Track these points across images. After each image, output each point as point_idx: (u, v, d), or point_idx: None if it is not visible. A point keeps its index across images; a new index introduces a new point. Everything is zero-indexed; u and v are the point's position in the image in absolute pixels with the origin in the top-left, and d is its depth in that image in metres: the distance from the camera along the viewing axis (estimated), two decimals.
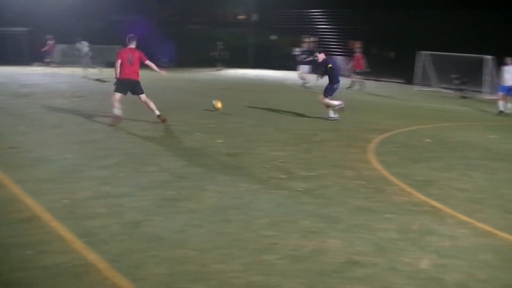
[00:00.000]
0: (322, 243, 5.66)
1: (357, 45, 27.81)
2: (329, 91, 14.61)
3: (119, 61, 12.06)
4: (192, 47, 34.93)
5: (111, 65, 31.77)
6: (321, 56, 14.84)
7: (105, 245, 5.26)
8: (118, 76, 12.16)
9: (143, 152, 9.60)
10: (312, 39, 36.64)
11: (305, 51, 25.47)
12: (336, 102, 14.65)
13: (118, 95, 12.16)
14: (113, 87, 12.37)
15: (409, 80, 29.65)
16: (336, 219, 6.47)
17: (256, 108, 16.43)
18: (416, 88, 28.05)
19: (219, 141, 10.84)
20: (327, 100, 14.62)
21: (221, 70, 33.06)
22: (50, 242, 5.31)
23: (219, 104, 14.26)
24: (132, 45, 12.40)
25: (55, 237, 5.44)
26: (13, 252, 5.06)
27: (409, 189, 8.02)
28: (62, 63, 30.78)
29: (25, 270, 4.69)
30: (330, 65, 14.70)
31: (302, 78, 24.38)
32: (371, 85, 27.35)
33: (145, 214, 6.28)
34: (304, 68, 24.49)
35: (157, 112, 12.46)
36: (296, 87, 24.33)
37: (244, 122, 13.41)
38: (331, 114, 14.69)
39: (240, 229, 5.98)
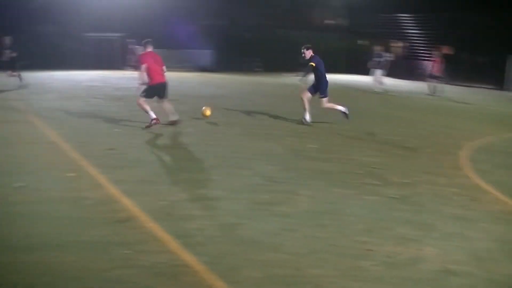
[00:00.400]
0: (417, 251, 5.49)
1: (444, 50, 26.92)
2: (324, 90, 13.54)
3: (145, 65, 11.85)
4: (280, 51, 34.99)
5: (200, 69, 32.75)
6: (308, 53, 13.51)
7: (201, 247, 5.28)
8: (148, 82, 11.96)
9: (237, 156, 9.64)
10: (400, 43, 35.90)
11: (380, 54, 24.93)
12: (341, 107, 13.88)
13: (143, 99, 12.02)
14: (141, 93, 12.04)
15: (500, 85, 28.45)
16: (431, 227, 6.26)
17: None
18: (508, 93, 26.86)
19: (311, 145, 10.76)
20: (331, 104, 13.78)
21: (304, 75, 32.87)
22: (148, 242, 5.39)
23: (207, 112, 13.29)
24: (151, 49, 12.29)
25: (152, 238, 5.53)
26: (113, 250, 5.17)
27: (505, 198, 7.66)
28: None
29: (124, 269, 4.78)
30: (313, 63, 13.38)
31: (379, 83, 23.99)
32: (458, 91, 26.41)
33: (240, 217, 6.28)
34: (378, 72, 24.11)
35: (175, 118, 12.35)
36: (381, 92, 23.84)
37: (335, 127, 13.25)
38: (307, 117, 13.53)
39: (334, 234, 5.88)
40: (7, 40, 20.56)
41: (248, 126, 12.81)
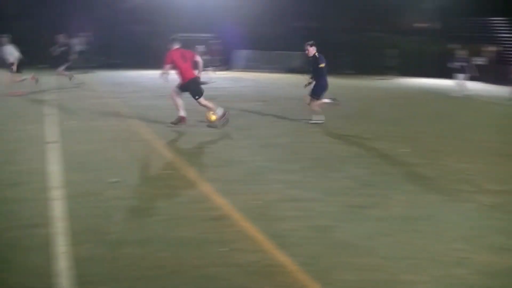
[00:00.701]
0: None
1: None
2: (318, 91, 13.20)
3: (169, 66, 11.68)
4: (371, 55, 34.60)
5: (292, 71, 32.83)
6: (312, 50, 13.15)
7: (294, 248, 5.28)
8: (180, 81, 11.86)
9: (329, 158, 9.58)
10: (492, 48, 34.63)
11: (464, 59, 24.08)
12: (326, 100, 13.53)
13: (178, 95, 11.94)
14: (175, 90, 11.96)
15: None
16: None
17: (436, 118, 15.81)
18: None
19: (403, 150, 10.55)
20: (318, 104, 13.32)
21: (392, 78, 32.31)
22: (241, 241, 5.45)
23: (212, 117, 12.49)
24: (178, 46, 12.01)
25: (246, 237, 5.58)
26: (207, 248, 5.26)
27: None
28: (246, 67, 31.96)
29: (220, 266, 4.85)
30: (322, 65, 13.07)
31: (462, 87, 23.24)
32: None
33: (332, 219, 6.24)
34: (461, 76, 23.35)
35: (182, 114, 12.03)
36: (462, 96, 23.03)
37: (427, 132, 12.93)
38: (315, 118, 13.28)
39: (429, 240, 5.72)
40: (61, 37, 20.92)
41: (339, 128, 12.71)
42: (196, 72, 12.22)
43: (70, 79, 20.85)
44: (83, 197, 6.77)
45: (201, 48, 26.32)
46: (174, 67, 11.74)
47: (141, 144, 10.21)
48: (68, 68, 20.83)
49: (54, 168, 8.10)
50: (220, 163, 8.85)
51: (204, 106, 12.03)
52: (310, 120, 13.27)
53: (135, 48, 31.24)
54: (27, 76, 18.14)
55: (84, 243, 5.29)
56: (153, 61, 28.74)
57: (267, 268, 4.84)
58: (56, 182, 7.37)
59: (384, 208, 6.74)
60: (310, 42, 13.23)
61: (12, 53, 17.72)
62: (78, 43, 33.06)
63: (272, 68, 33.07)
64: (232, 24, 33.14)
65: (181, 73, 11.74)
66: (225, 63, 32.96)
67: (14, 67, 17.67)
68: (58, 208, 6.28)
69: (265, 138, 11.23)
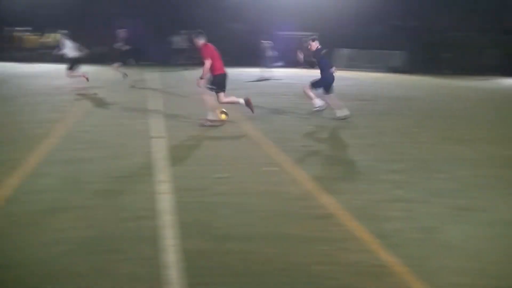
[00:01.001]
0: None
1: None
2: (319, 84, 13.19)
3: (210, 59, 11.40)
4: (470, 54, 33.53)
5: (392, 70, 32.31)
6: (314, 45, 13.10)
7: (401, 249, 5.29)
8: (212, 74, 11.65)
9: (432, 158, 9.42)
10: None
11: None
12: (318, 101, 13.28)
13: (222, 95, 11.84)
14: (209, 88, 11.79)
15: None
16: None
17: None
18: None
19: (508, 152, 10.22)
20: (309, 91, 13.30)
21: (492, 79, 31.07)
22: (348, 240, 5.51)
23: (222, 116, 12.37)
24: (205, 40, 11.71)
25: (352, 236, 5.63)
26: (314, 246, 5.36)
27: None
28: (346, 66, 31.76)
29: (326, 265, 4.93)
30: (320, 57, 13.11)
31: None
32: None
33: (438, 221, 6.18)
34: None
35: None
36: None
37: None
38: (317, 103, 13.35)
39: None
40: (123, 33, 21.22)
41: (441, 129, 12.47)
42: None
43: (123, 76, 21.43)
44: (189, 192, 6.99)
45: (268, 43, 26.47)
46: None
47: (246, 141, 10.45)
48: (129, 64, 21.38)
49: (160, 163, 8.44)
50: (323, 161, 8.95)
51: (226, 103, 12.12)
52: (336, 115, 13.29)
53: (233, 45, 31.75)
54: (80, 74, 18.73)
55: (192, 237, 5.47)
56: (250, 58, 29.30)
57: (374, 268, 4.88)
58: (162, 176, 7.67)
59: (492, 212, 6.58)
60: (313, 37, 13.36)
61: (72, 48, 18.33)
62: (179, 41, 34.04)
63: (372, 67, 32.76)
64: (333, 22, 33.08)
65: (215, 67, 11.65)
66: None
67: (75, 65, 18.40)
68: (165, 202, 6.53)
69: (368, 137, 11.18)
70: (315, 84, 13.22)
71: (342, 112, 13.19)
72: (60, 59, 19.06)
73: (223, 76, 11.81)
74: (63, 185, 7.22)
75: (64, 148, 9.38)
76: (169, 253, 5.06)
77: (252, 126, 11.97)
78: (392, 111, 13.99)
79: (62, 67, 18.92)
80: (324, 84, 13.15)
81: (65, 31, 19.08)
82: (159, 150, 9.30)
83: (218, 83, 11.74)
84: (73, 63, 18.27)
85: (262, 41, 26.54)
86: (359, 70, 31.73)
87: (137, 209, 6.29)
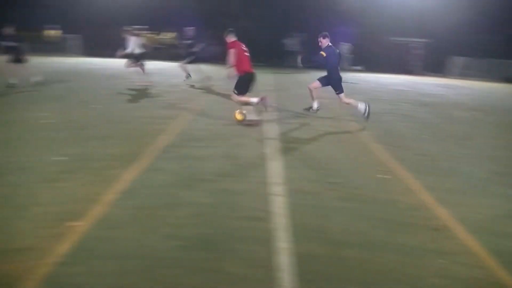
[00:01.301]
0: None
1: None
2: (338, 86, 12.83)
3: (237, 55, 11.37)
4: None
5: (508, 80, 30.98)
6: (325, 42, 12.63)
7: None
8: (238, 71, 11.61)
9: None
10: None
11: None
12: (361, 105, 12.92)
13: (244, 97, 11.70)
14: (234, 87, 11.85)
15: None
16: None
17: None
18: None
19: None
20: (346, 100, 12.97)
21: None
22: (463, 254, 5.43)
23: (239, 116, 12.07)
24: (234, 38, 11.67)
25: (467, 250, 5.54)
26: (428, 258, 5.33)
27: None
28: (460, 75, 30.89)
29: (439, 278, 4.90)
30: (323, 53, 12.57)
31: None
32: None
33: None
34: None
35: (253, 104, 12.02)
36: None
37: None
38: (315, 106, 13.50)
39: None
40: (190, 31, 20.93)
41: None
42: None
43: (187, 76, 21.30)
44: (302, 195, 7.06)
45: (347, 45, 26.04)
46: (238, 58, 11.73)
47: (358, 147, 10.42)
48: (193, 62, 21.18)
49: (274, 164, 8.57)
50: (437, 171, 8.76)
51: (240, 102, 12.16)
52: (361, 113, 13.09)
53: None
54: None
55: (305, 241, 5.53)
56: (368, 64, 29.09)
57: (490, 286, 4.79)
58: (276, 178, 7.78)
59: None
60: (324, 34, 12.86)
61: (136, 45, 18.85)
62: (294, 43, 34.26)
63: (487, 76, 31.61)
64: (447, 29, 32.27)
65: (241, 64, 11.75)
66: (437, 69, 32.27)
67: (135, 60, 19.05)
68: (278, 204, 6.62)
69: (483, 149, 10.85)
70: (335, 87, 12.99)
71: (315, 105, 13.56)
72: (175, 57, 19.63)
73: (251, 75, 12.01)
74: (178, 181, 7.50)
75: (179, 145, 9.72)
76: (282, 256, 5.15)
77: (365, 131, 11.91)
78: (506, 124, 13.42)
79: (175, 65, 19.48)
80: (334, 82, 12.94)
81: (130, 27, 19.71)
82: (273, 152, 9.45)
83: (243, 83, 11.94)
84: (137, 58, 19.21)
85: (342, 43, 26.34)
86: (473, 79, 30.71)
87: (251, 209, 6.44)
